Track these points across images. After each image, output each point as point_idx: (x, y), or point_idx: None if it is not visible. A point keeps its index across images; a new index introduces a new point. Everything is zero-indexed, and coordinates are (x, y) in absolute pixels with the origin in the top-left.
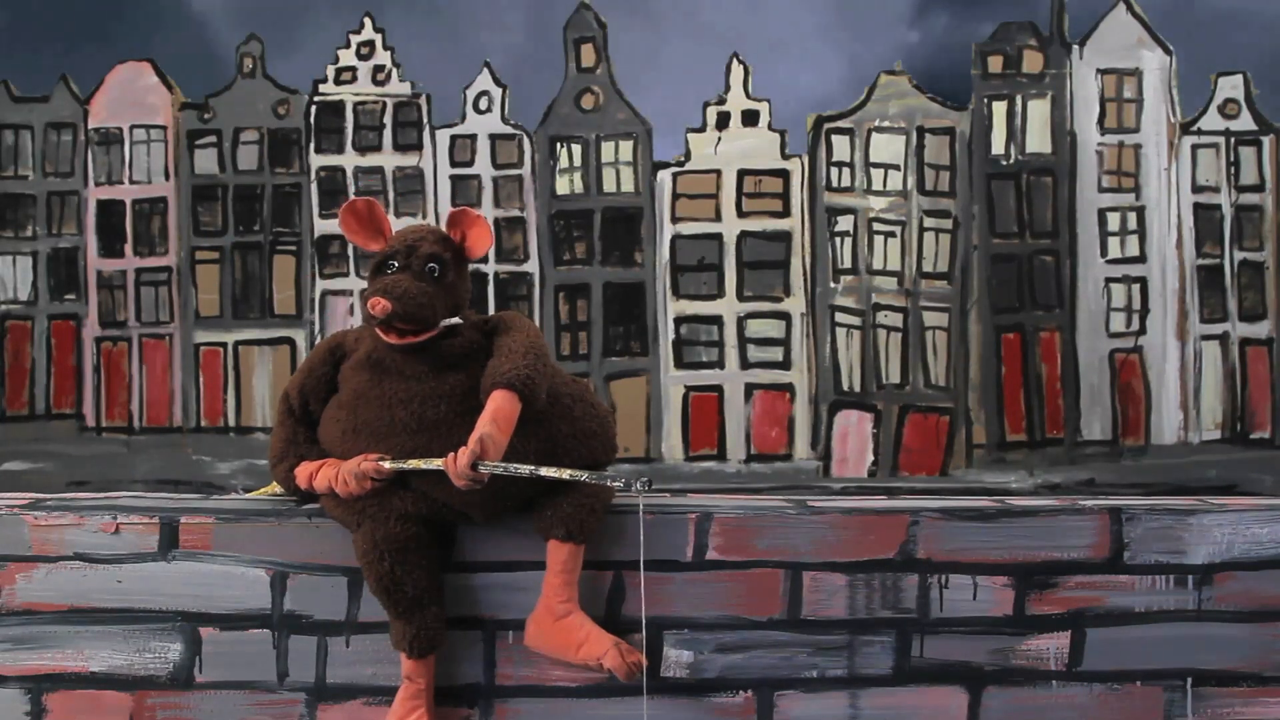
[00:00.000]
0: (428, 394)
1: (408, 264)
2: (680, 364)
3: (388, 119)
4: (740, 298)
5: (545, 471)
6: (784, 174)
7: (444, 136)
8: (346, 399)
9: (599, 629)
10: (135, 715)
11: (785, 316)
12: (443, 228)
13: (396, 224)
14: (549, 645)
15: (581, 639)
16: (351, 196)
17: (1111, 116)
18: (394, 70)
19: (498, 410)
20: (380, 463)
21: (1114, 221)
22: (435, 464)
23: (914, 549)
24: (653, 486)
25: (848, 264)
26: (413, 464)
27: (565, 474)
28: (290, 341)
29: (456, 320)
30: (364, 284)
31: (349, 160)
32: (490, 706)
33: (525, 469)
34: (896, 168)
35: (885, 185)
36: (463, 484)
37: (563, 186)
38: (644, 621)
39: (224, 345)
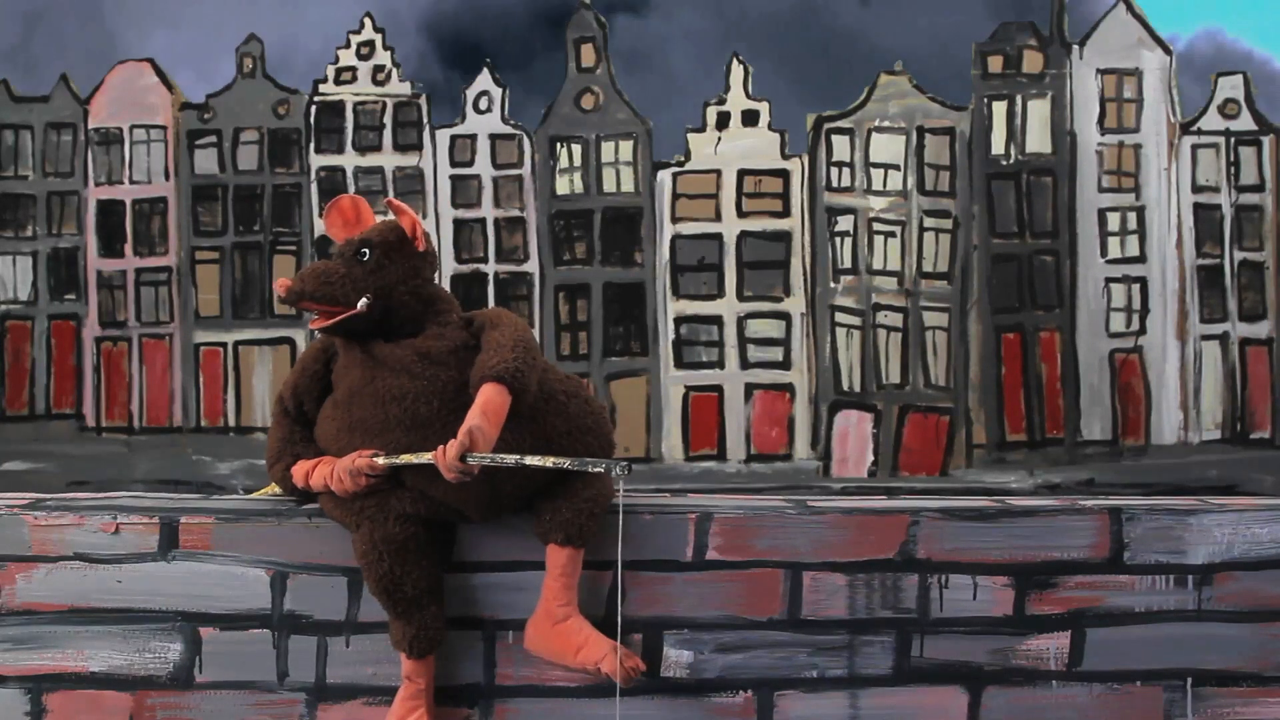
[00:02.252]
0: (420, 391)
1: (341, 251)
2: (680, 364)
3: (388, 119)
4: (740, 298)
5: (531, 460)
6: (784, 174)
7: (444, 136)
8: (341, 397)
9: (597, 633)
10: (135, 715)
11: (785, 316)
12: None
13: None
14: (548, 649)
15: (580, 643)
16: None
17: (1111, 116)
18: (394, 70)
19: (487, 403)
20: (374, 459)
21: (1114, 221)
22: (426, 458)
23: (914, 549)
24: (632, 470)
25: (848, 264)
26: (405, 458)
27: (549, 462)
28: (290, 341)
29: (367, 299)
30: None
31: (349, 160)
32: (490, 706)
33: (511, 459)
34: (896, 168)
35: (885, 185)
36: (453, 476)
37: (563, 186)
38: (620, 613)
39: (224, 345)
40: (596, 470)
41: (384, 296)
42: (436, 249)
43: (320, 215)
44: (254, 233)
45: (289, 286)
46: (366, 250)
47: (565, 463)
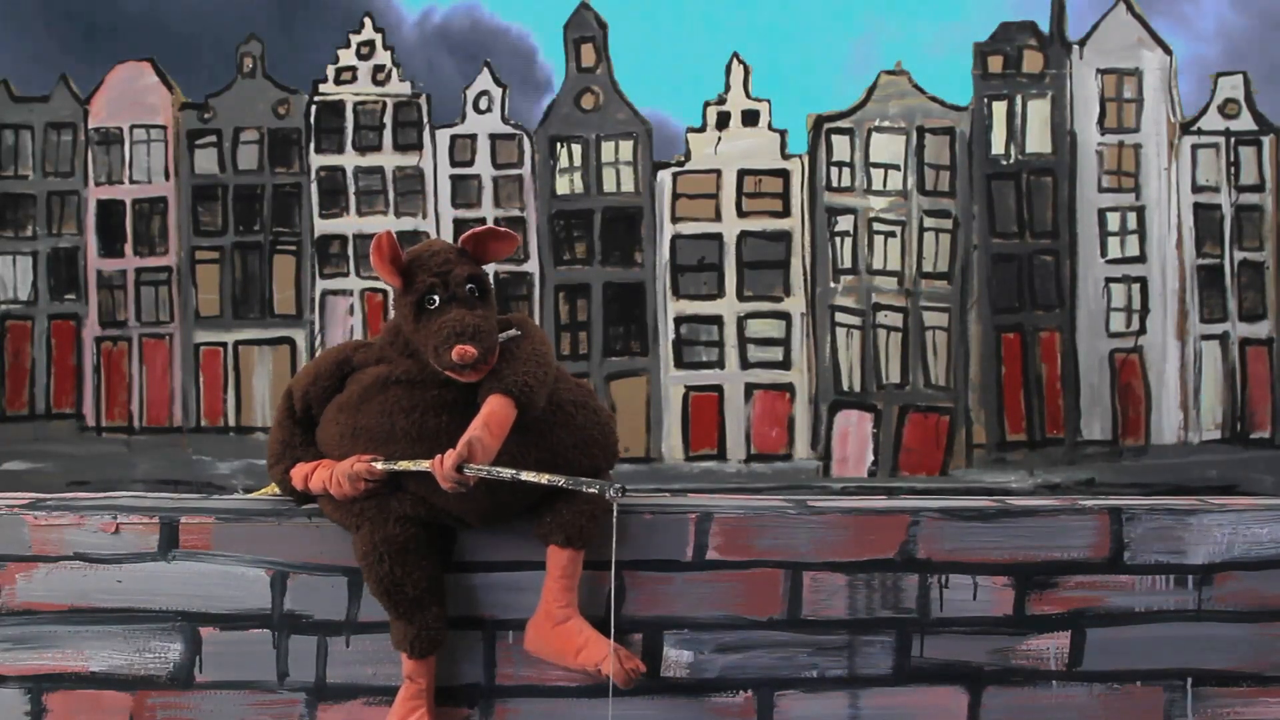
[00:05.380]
0: (430, 403)
1: (450, 294)
2: (680, 364)
3: (388, 119)
4: (740, 298)
5: (526, 476)
6: (784, 174)
7: (444, 136)
8: (347, 401)
9: (597, 634)
10: (135, 715)
11: (785, 316)
12: (447, 241)
13: (394, 225)
14: (548, 650)
15: (580, 644)
16: (352, 198)
17: (1111, 116)
18: (394, 70)
19: (491, 415)
20: (372, 464)
21: (1114, 221)
22: (424, 465)
23: (914, 549)
24: (626, 493)
25: (848, 264)
26: (403, 465)
27: (544, 479)
28: (290, 341)
29: (514, 332)
30: (364, 284)
31: (349, 160)
32: (490, 706)
33: (508, 473)
34: (896, 168)
35: (885, 185)
36: (449, 486)
37: (563, 186)
38: (612, 625)
39: (224, 345)
40: (590, 491)
41: (503, 325)
42: None
43: (320, 216)
44: (254, 233)
45: (473, 353)
46: (474, 285)
47: (560, 481)
